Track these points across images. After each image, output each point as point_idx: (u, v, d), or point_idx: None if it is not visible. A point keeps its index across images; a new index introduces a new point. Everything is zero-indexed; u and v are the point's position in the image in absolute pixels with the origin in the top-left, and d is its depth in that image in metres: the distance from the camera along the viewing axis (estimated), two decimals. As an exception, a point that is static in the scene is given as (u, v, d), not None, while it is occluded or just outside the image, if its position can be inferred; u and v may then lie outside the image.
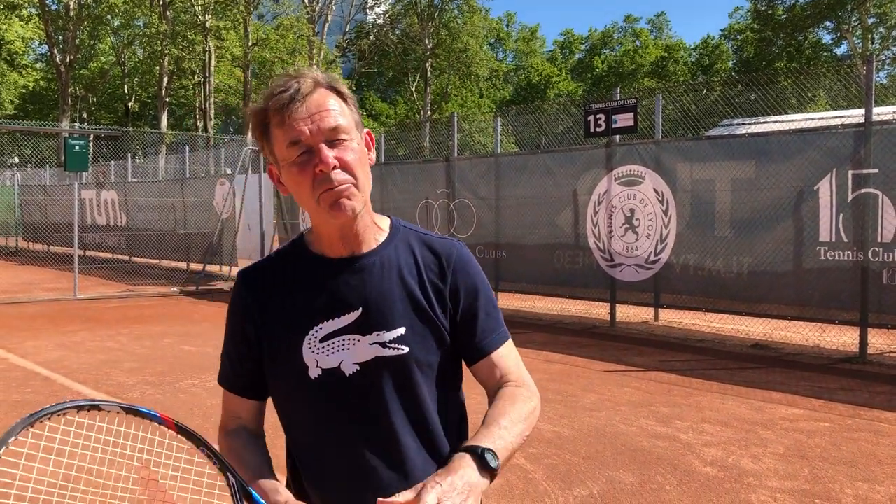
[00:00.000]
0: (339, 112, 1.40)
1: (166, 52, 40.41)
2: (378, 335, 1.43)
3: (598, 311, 11.43)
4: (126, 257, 21.72)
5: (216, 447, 1.41)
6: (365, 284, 1.46)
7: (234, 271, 17.65)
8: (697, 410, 6.36)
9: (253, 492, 1.35)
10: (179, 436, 1.28)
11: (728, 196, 9.75)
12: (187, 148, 22.02)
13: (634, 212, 10.52)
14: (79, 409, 1.21)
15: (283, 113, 1.37)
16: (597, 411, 6.36)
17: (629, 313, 11.18)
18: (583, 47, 69.56)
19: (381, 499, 1.20)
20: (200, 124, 44.47)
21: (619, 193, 10.64)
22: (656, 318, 11.08)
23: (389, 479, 1.44)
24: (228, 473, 1.35)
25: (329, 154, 1.37)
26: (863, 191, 8.49)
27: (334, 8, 47.44)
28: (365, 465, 1.45)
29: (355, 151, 1.40)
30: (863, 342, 8.43)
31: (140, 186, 22.59)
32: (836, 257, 8.74)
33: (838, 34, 42.27)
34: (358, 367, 1.44)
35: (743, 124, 16.55)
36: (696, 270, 9.94)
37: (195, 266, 17.99)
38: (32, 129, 28.06)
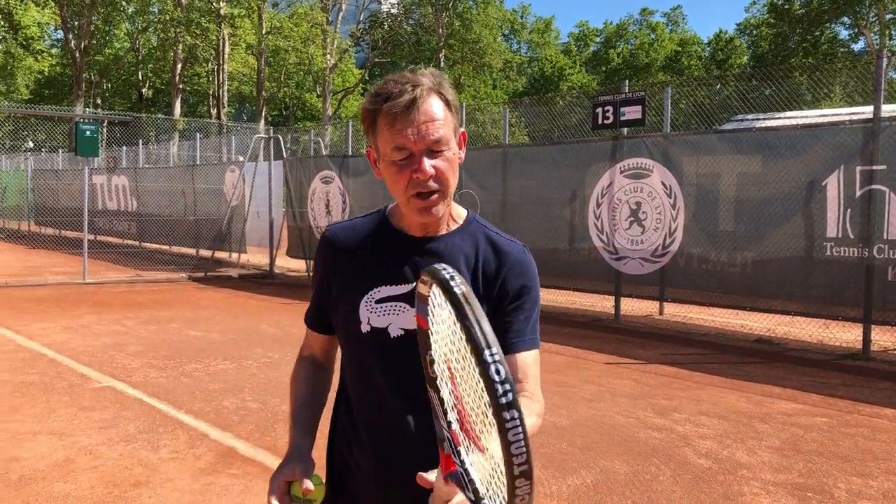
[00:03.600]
0: (442, 123, 1.52)
1: (180, 38, 40.52)
2: None
3: (603, 304, 11.44)
4: (136, 242, 21.83)
5: None
6: (424, 264, 1.55)
7: (244, 258, 17.75)
8: (696, 403, 6.37)
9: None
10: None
11: (735, 190, 9.72)
12: (198, 135, 22.07)
13: (641, 205, 10.50)
14: None
15: (396, 119, 1.50)
16: (595, 402, 6.38)
17: (634, 307, 11.18)
18: (598, 40, 69.28)
19: (420, 473, 1.25)
20: (213, 112, 44.61)
21: (625, 186, 10.62)
22: (661, 311, 11.08)
23: (409, 432, 1.58)
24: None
25: (427, 164, 1.51)
26: (870, 187, 8.45)
27: (348, -3, 47.42)
28: (392, 416, 1.60)
29: (450, 160, 1.54)
30: (866, 339, 8.41)
31: (151, 172, 22.69)
32: (842, 253, 8.70)
33: (856, 30, 41.94)
34: (402, 332, 1.59)
35: (757, 119, 16.48)
36: (702, 264, 9.92)
37: (204, 252, 18.09)
38: (46, 113, 28.18)
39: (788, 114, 14.81)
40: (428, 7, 47.03)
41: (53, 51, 55.15)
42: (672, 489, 4.45)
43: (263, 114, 43.85)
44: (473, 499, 1.13)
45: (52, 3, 41.77)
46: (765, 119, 15.72)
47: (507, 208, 12.17)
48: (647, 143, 10.46)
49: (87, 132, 14.14)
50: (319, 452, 1.68)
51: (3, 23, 41.14)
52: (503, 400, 0.94)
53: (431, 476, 1.24)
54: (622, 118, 10.38)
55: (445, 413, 1.19)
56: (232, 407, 5.94)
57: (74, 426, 5.46)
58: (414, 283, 1.55)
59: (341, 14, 48.44)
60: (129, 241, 22.12)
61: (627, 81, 10.99)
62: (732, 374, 7.52)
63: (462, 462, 1.15)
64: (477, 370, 0.99)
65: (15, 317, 10.24)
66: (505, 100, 55.81)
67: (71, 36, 40.83)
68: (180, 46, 41.90)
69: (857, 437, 5.52)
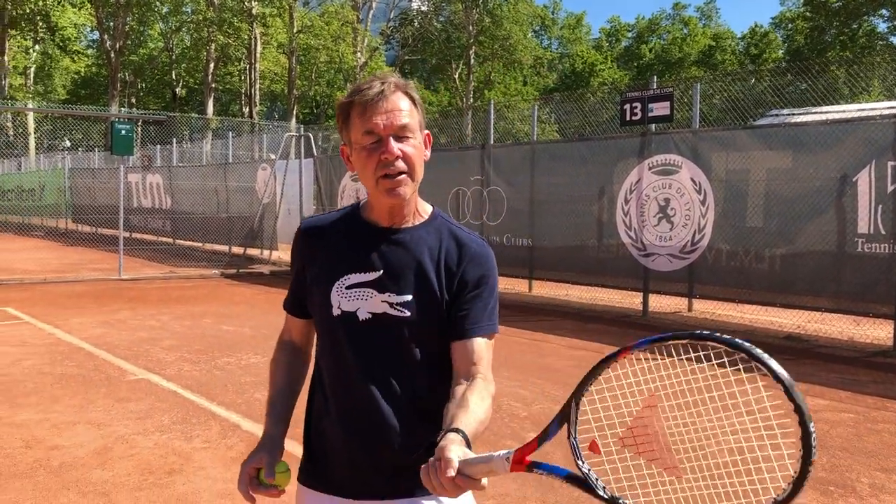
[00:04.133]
0: (408, 113, 1.68)
1: (213, 38, 41.00)
2: (389, 296, 1.70)
3: (631, 300, 11.44)
4: (170, 240, 22.19)
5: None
6: (391, 253, 1.73)
7: (275, 255, 17.98)
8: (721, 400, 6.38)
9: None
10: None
11: (765, 186, 9.68)
12: (230, 133, 22.36)
13: (670, 201, 10.49)
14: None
15: (366, 107, 1.66)
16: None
17: (664, 303, 11.17)
18: (629, 35, 68.82)
19: (423, 466, 1.40)
20: (246, 110, 45.09)
21: (654, 182, 10.61)
22: (690, 308, 11.06)
23: (372, 403, 1.71)
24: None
25: (394, 146, 1.65)
26: (903, 183, 8.37)
27: (379, -5, 47.63)
28: (358, 389, 1.73)
29: (416, 147, 1.69)
30: (897, 336, 8.34)
31: (184, 171, 23.04)
32: (874, 249, 8.64)
33: (895, 22, 41.22)
34: (370, 316, 1.71)
35: (792, 115, 16.31)
36: (731, 261, 9.89)
37: (237, 249, 18.35)
38: (82, 113, 28.71)
39: (824, 108, 14.62)
40: (458, 4, 47.02)
41: (89, 51, 56.00)
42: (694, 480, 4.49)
43: (295, 112, 44.23)
44: (606, 497, 1.35)
45: (88, 5, 42.46)
46: (800, 114, 15.57)
47: (535, 205, 12.22)
48: (675, 140, 10.44)
49: (123, 131, 14.42)
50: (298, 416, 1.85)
51: (41, 24, 41.90)
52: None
53: (451, 455, 1.36)
54: (650, 114, 10.38)
55: (577, 422, 1.43)
56: (263, 399, 6.06)
57: (111, 416, 5.64)
58: (381, 271, 1.72)
59: (371, 12, 48.71)
60: (164, 239, 22.49)
61: (656, 77, 10.95)
62: (761, 370, 7.49)
63: (583, 468, 1.39)
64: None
65: (54, 312, 10.51)
66: (535, 96, 55.71)
67: (106, 37, 41.53)
68: (213, 46, 42.40)
69: (883, 433, 5.51)
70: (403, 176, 1.67)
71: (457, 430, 1.46)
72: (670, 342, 1.32)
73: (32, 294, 12.37)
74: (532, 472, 1.37)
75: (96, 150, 29.95)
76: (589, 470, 1.37)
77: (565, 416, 1.44)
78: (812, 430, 1.24)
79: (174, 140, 24.97)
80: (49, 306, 11.04)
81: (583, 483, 1.36)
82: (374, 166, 1.66)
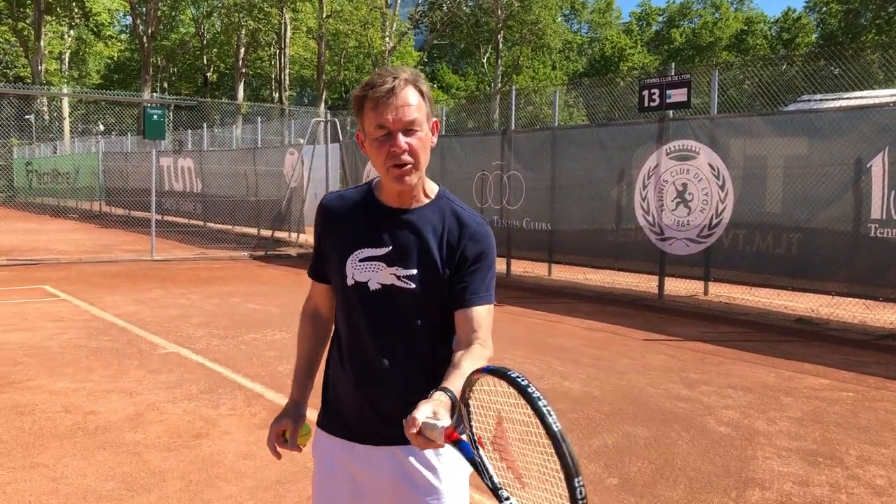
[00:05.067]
0: (416, 108, 1.86)
1: (243, 23, 41.44)
2: (396, 269, 1.93)
3: (648, 284, 11.63)
4: (201, 222, 22.69)
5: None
6: (399, 231, 1.95)
7: (302, 238, 18.36)
8: (725, 377, 6.62)
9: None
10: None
11: (782, 172, 9.81)
12: (259, 118, 22.75)
13: (687, 186, 10.65)
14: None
15: (378, 102, 1.84)
16: (627, 374, 6.67)
17: (680, 287, 11.35)
18: (660, 19, 68.22)
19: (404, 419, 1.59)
20: (276, 95, 45.54)
21: (672, 168, 10.78)
22: (706, 291, 11.23)
23: (379, 363, 1.95)
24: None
25: (402, 141, 1.84)
26: (916, 168, 8.48)
27: (407, -20, 47.73)
28: (368, 351, 1.97)
29: (422, 140, 1.88)
30: (907, 319, 8.48)
31: (214, 155, 23.50)
32: (886, 234, 8.76)
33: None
34: (380, 286, 1.94)
35: (824, 100, 16.27)
36: (747, 245, 10.05)
37: (265, 232, 18.76)
38: (115, 98, 29.29)
39: (856, 94, 14.58)
40: (487, -12, 46.94)
41: (122, 37, 56.77)
42: (688, 451, 4.74)
43: (324, 97, 44.56)
44: (491, 485, 1.52)
45: (122, -10, 43.08)
46: (833, 99, 15.53)
47: (555, 190, 12.43)
48: (692, 126, 10.59)
49: (155, 116, 14.84)
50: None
51: (76, 10, 42.61)
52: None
53: (417, 415, 1.57)
54: (668, 101, 10.53)
55: (471, 420, 1.57)
56: (285, 371, 6.42)
57: (143, 386, 6.00)
58: (390, 247, 1.94)
59: (400, -3, 48.81)
60: (195, 221, 23.00)
61: (674, 64, 11.08)
62: (767, 351, 7.71)
63: (480, 454, 1.54)
64: (562, 476, 1.33)
65: (90, 290, 10.96)
66: (564, 81, 55.51)
67: (139, 22, 42.13)
68: (243, 31, 42.88)
69: (879, 410, 5.71)
70: (409, 166, 1.86)
71: (444, 390, 1.65)
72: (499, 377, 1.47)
73: (68, 273, 12.85)
74: (455, 448, 1.55)
75: (129, 134, 30.54)
76: (482, 459, 1.53)
77: (460, 413, 1.61)
78: (577, 485, 1.30)
79: (205, 125, 25.44)
80: (84, 285, 11.50)
81: (477, 468, 1.54)
82: (384, 156, 1.85)
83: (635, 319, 9.47)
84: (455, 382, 1.69)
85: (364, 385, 1.97)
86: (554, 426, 1.35)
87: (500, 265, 13.82)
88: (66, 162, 32.79)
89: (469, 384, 1.57)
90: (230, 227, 21.56)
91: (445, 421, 1.57)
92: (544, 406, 1.37)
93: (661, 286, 11.07)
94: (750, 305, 10.45)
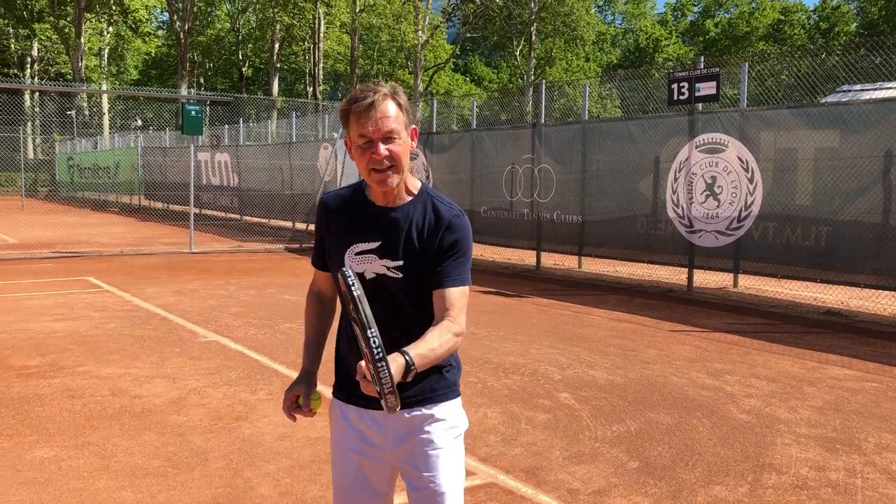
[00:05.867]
0: (394, 119, 2.08)
1: (278, 18, 41.90)
2: (386, 261, 2.19)
3: (678, 276, 11.71)
4: (237, 216, 23.13)
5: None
6: (388, 227, 2.20)
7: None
8: (750, 367, 6.73)
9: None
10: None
11: (812, 164, 9.84)
12: (294, 113, 23.09)
13: (716, 179, 10.72)
14: None
15: (360, 115, 2.07)
16: (652, 364, 6.81)
17: (709, 279, 11.42)
18: (695, 9, 67.56)
19: (360, 363, 1.88)
20: (310, 89, 45.99)
21: (701, 161, 10.84)
22: (735, 284, 11.28)
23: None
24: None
25: (382, 148, 2.07)
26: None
27: (440, -27, 47.81)
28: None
29: (401, 146, 2.10)
30: (936, 312, 8.48)
31: (250, 149, 23.91)
32: (916, 227, 8.77)
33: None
34: (374, 275, 2.19)
35: (864, 90, 16.14)
36: (777, 238, 10.09)
37: (299, 225, 19.10)
38: (153, 94, 29.85)
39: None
40: (520, -20, 46.89)
41: (159, 33, 57.66)
42: (708, 438, 4.89)
43: (357, 91, 44.88)
44: (378, 391, 1.81)
45: (159, -13, 43.76)
46: (873, 89, 15.39)
47: (585, 183, 12.54)
48: (721, 119, 10.64)
49: (192, 112, 15.20)
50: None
51: (115, 7, 43.39)
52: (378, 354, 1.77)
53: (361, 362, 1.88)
54: (697, 94, 10.59)
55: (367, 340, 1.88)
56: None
57: (185, 372, 6.28)
58: (380, 241, 2.19)
59: (433, -10, 48.92)
60: (231, 215, 23.44)
61: (703, 58, 11.12)
62: (794, 342, 7.79)
63: (371, 368, 1.83)
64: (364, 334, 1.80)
65: (131, 282, 11.33)
66: (597, 72, 55.25)
67: (175, 18, 42.81)
68: (278, 26, 43.34)
69: (901, 400, 5.79)
70: (389, 171, 2.09)
71: (402, 352, 1.93)
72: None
73: (111, 265, 13.27)
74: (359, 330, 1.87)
75: (167, 129, 31.12)
76: (373, 373, 1.81)
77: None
78: (371, 335, 1.77)
79: (241, 120, 25.87)
80: (126, 276, 11.88)
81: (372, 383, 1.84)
82: (366, 162, 2.10)
83: (663, 311, 9.57)
84: (416, 348, 1.98)
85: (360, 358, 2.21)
86: (354, 292, 1.82)
87: (530, 258, 14.01)
88: (106, 157, 33.52)
89: (346, 302, 1.94)
90: (266, 220, 21.96)
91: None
92: (350, 280, 1.84)
93: (690, 278, 11.15)
94: (779, 297, 10.49)
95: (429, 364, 2.04)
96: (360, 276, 2.19)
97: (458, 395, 2.30)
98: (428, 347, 2.00)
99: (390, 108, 2.10)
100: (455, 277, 2.17)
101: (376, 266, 2.19)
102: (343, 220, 2.27)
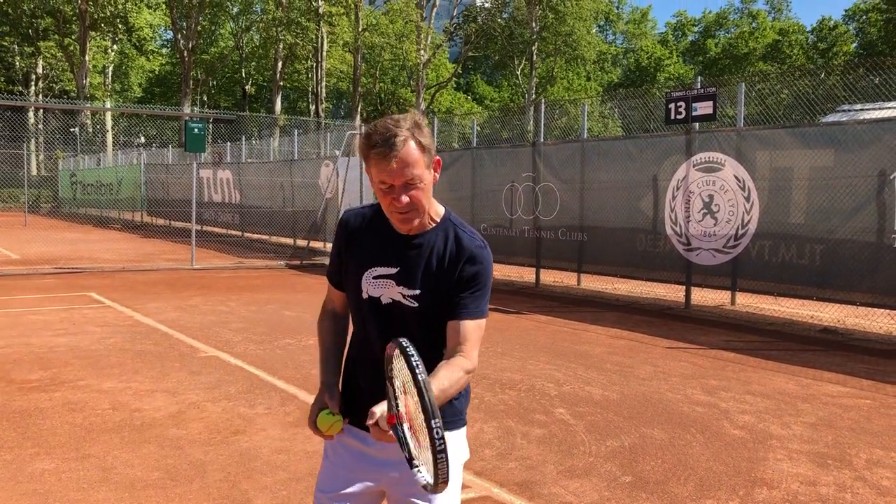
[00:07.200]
0: (415, 162, 2.02)
1: (281, 37, 42.21)
2: (403, 289, 2.17)
3: (675, 294, 11.78)
4: (239, 233, 23.24)
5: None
6: (407, 254, 2.18)
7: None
8: (745, 384, 6.78)
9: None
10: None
11: (807, 183, 9.93)
12: (296, 131, 23.25)
13: (713, 197, 10.81)
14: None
15: (381, 159, 2.01)
16: (648, 381, 6.87)
17: (707, 297, 11.49)
18: (696, 29, 68.01)
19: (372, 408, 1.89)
20: (312, 107, 46.25)
21: (698, 179, 10.94)
22: (733, 301, 11.34)
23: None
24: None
25: (404, 197, 2.03)
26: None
27: (442, -7, 48.23)
28: (378, 358, 2.16)
29: (422, 190, 2.06)
30: (931, 330, 8.54)
31: (252, 167, 24.06)
32: (911, 246, 8.84)
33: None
34: (390, 301, 2.17)
35: (863, 109, 16.27)
36: (773, 256, 10.17)
37: (301, 242, 19.20)
38: (156, 112, 30.05)
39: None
40: (521, 0, 47.28)
41: (163, 51, 58.08)
42: (701, 453, 4.95)
43: (359, 109, 45.19)
44: (407, 456, 1.80)
45: (163, 6, 44.17)
46: (872, 109, 15.53)
47: (584, 201, 12.63)
48: (718, 138, 10.75)
49: (195, 130, 15.34)
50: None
51: (119, 26, 43.76)
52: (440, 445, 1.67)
53: (376, 408, 1.87)
54: (694, 113, 10.70)
55: (397, 399, 1.86)
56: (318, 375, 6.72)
57: (185, 387, 6.35)
58: (398, 268, 2.16)
59: (435, 10, 49.36)
60: (233, 231, 23.56)
61: (700, 78, 11.25)
62: (789, 360, 7.84)
63: (403, 430, 1.83)
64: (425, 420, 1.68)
65: (133, 297, 11.41)
66: (598, 91, 55.55)
67: (179, 36, 43.18)
68: (281, 45, 43.66)
69: (894, 417, 5.85)
70: (411, 213, 2.06)
71: None
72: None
73: (112, 281, 13.35)
74: (391, 430, 1.83)
75: (170, 146, 31.31)
76: (404, 434, 1.81)
77: (386, 390, 1.90)
78: (434, 426, 1.64)
79: (243, 137, 26.04)
80: (128, 292, 11.97)
81: (401, 443, 1.82)
82: (387, 204, 2.07)
83: (660, 328, 9.64)
84: None
85: (373, 384, 2.13)
86: (419, 377, 1.68)
87: (529, 274, 14.08)
88: (109, 173, 33.68)
89: (388, 361, 1.86)
90: (267, 236, 22.07)
91: (386, 409, 1.86)
92: (415, 361, 1.70)
93: (687, 296, 11.22)
94: (776, 315, 10.55)
95: (438, 404, 2.05)
96: (377, 300, 2.19)
97: (465, 424, 2.27)
98: (439, 389, 1.92)
99: (412, 152, 2.03)
100: (472, 310, 2.14)
101: (393, 292, 2.17)
102: (363, 241, 2.24)
